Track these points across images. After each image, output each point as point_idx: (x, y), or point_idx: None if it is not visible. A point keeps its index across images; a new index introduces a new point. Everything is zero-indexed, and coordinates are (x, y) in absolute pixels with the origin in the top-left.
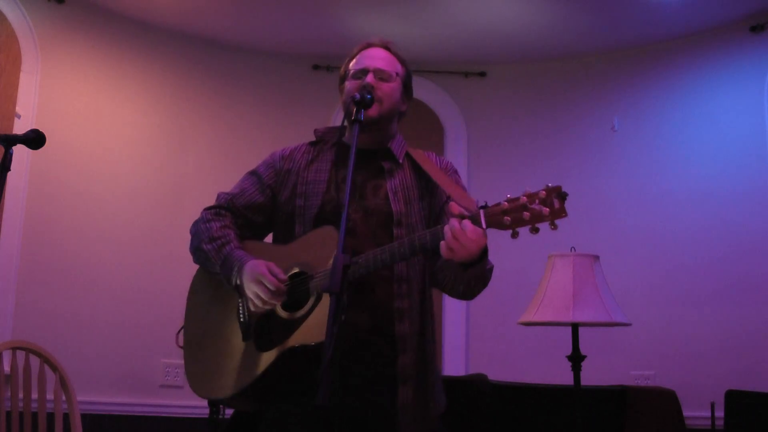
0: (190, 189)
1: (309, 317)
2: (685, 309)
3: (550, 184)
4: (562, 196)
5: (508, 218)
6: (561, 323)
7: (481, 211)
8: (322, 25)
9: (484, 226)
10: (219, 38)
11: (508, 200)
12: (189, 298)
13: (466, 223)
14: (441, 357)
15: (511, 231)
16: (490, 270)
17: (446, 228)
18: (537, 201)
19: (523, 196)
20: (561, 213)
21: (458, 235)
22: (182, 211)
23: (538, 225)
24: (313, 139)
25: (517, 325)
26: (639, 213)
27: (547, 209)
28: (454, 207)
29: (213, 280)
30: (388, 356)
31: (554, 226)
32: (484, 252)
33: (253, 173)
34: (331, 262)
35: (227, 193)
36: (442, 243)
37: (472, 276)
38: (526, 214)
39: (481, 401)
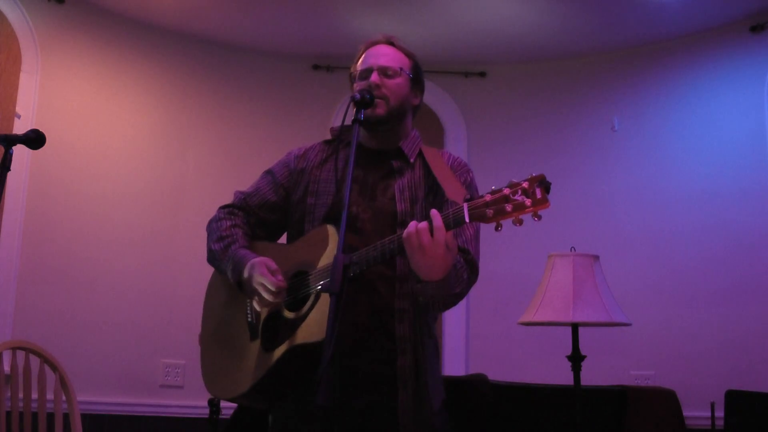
0: (189, 189)
1: (309, 316)
2: (685, 309)
3: (533, 174)
4: (546, 186)
5: (491, 211)
6: (561, 323)
7: (465, 204)
8: (322, 25)
9: (467, 219)
10: (219, 38)
11: (492, 192)
12: (206, 300)
13: (424, 229)
14: (441, 356)
15: (495, 224)
16: (454, 296)
17: (411, 223)
18: (519, 192)
19: (506, 187)
20: (543, 203)
21: (413, 237)
22: (182, 210)
23: (521, 216)
24: (324, 138)
25: (517, 325)
26: (639, 213)
27: (530, 200)
28: (433, 211)
29: (226, 282)
30: (390, 355)
31: (538, 217)
32: (447, 278)
33: (268, 172)
34: (323, 260)
35: (242, 192)
36: (404, 233)
37: (426, 293)
38: (508, 206)
39: (481, 401)
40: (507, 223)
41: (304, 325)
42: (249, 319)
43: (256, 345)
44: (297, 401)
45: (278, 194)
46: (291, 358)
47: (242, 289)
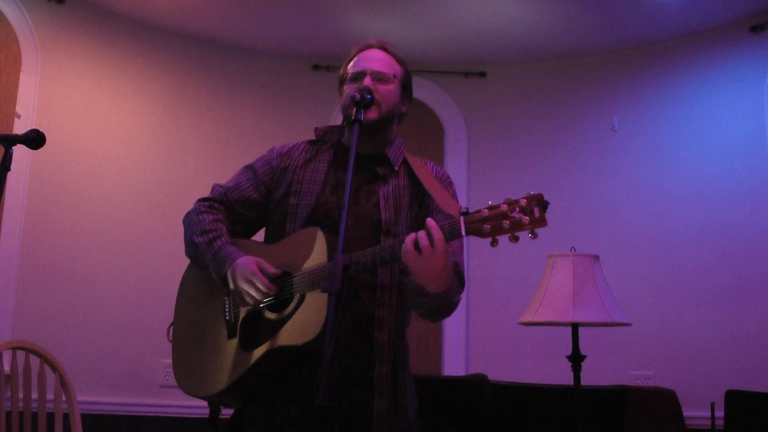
0: (189, 189)
1: (291, 318)
2: (685, 309)
3: (531, 192)
4: (543, 205)
5: (488, 226)
6: (561, 323)
7: (461, 218)
8: (322, 25)
9: (463, 233)
10: (219, 38)
11: (489, 207)
12: (179, 294)
13: (422, 237)
14: (441, 358)
15: (491, 239)
16: (455, 304)
17: (408, 237)
18: (517, 209)
19: (504, 204)
20: (541, 222)
21: (411, 250)
22: (182, 210)
23: (517, 234)
24: (313, 137)
25: (517, 325)
26: (639, 213)
27: (527, 218)
28: (430, 221)
29: (203, 277)
30: (368, 362)
31: (534, 236)
32: (449, 287)
33: (249, 168)
34: (309, 263)
35: (222, 186)
36: (403, 247)
37: (431, 305)
38: (506, 223)
39: (481, 401)
40: (503, 236)
41: (286, 326)
42: (227, 317)
43: (233, 344)
44: (277, 402)
45: (259, 191)
46: (271, 360)
47: (226, 285)
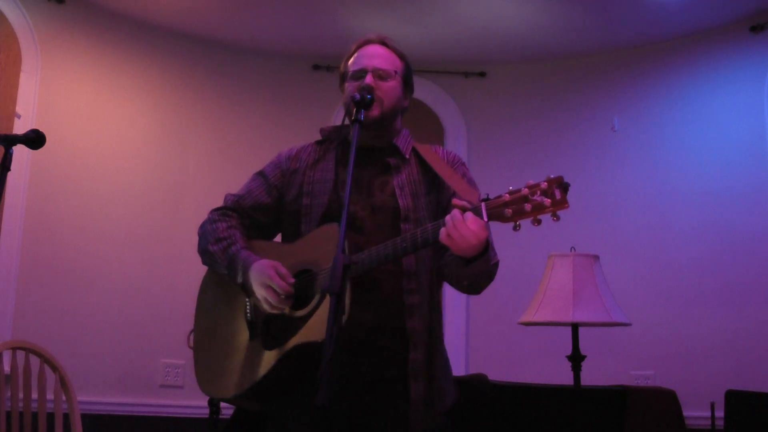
0: (190, 189)
1: (313, 315)
2: (685, 309)
3: (551, 175)
4: (564, 187)
5: (510, 210)
6: (561, 323)
7: (483, 204)
8: (322, 25)
9: (485, 218)
10: (219, 38)
11: (510, 192)
12: (199, 298)
13: (469, 213)
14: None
15: (513, 224)
16: (495, 265)
17: (447, 217)
18: (539, 192)
19: (525, 187)
20: (563, 204)
21: (458, 224)
22: (182, 210)
23: (540, 216)
24: (318, 138)
25: (517, 325)
26: (639, 213)
27: (549, 200)
28: (458, 201)
29: (221, 280)
30: (397, 353)
31: (556, 218)
32: (486, 247)
33: (260, 174)
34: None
35: (234, 195)
36: (442, 229)
37: (474, 271)
38: (528, 206)
39: (481, 401)
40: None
41: (309, 323)
42: (248, 318)
43: (255, 344)
44: (297, 402)
45: (271, 196)
46: (294, 357)
47: (244, 289)
